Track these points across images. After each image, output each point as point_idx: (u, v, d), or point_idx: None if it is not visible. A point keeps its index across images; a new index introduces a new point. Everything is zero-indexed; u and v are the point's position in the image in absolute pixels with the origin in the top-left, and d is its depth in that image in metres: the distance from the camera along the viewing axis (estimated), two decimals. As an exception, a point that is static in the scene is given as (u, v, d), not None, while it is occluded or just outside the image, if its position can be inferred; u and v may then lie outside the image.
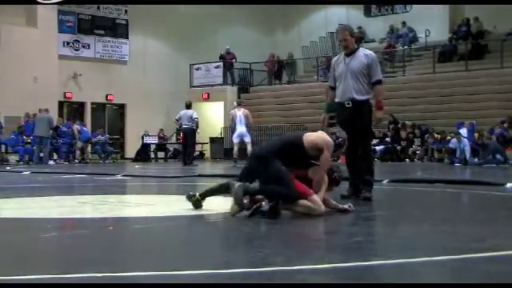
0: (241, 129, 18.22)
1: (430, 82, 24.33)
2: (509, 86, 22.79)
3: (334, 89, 7.46)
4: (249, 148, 18.09)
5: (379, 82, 7.30)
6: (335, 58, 7.56)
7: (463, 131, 20.19)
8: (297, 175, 5.76)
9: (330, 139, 5.99)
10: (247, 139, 18.26)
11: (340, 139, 6.36)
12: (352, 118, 7.07)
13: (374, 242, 4.71)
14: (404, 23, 28.90)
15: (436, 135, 21.44)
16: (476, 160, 18.57)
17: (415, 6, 29.35)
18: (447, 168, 17.21)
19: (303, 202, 5.63)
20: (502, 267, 3.46)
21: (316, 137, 5.99)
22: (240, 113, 18.39)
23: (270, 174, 5.65)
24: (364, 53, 7.34)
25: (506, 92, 22.66)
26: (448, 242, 4.45)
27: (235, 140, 18.41)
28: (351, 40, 7.30)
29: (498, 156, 17.86)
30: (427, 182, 10.28)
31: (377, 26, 30.29)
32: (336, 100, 7.37)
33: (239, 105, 19.13)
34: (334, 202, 5.98)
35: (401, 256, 3.76)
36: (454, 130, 20.51)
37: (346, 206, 5.90)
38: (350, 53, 7.26)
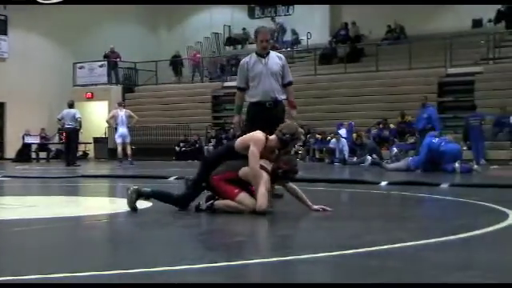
0: (122, 130, 18.31)
1: (311, 84, 24.98)
2: (384, 88, 23.82)
3: (243, 90, 7.53)
4: (128, 149, 18.27)
5: (291, 82, 7.58)
6: (246, 60, 7.52)
7: (342, 131, 20.90)
8: (226, 178, 5.91)
9: (258, 136, 6.06)
10: (128, 140, 18.44)
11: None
12: (272, 118, 7.20)
13: (255, 241, 4.84)
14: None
15: (317, 135, 22.05)
16: (354, 159, 19.28)
17: (297, 9, 30.04)
18: (327, 167, 17.76)
19: (230, 202, 5.84)
20: (376, 262, 3.63)
21: (244, 137, 6.24)
22: (122, 113, 18.45)
23: (191, 178, 6.25)
24: (276, 54, 7.57)
25: (382, 94, 23.65)
26: (327, 239, 4.62)
27: (118, 140, 18.46)
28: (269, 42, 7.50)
29: (374, 155, 18.62)
30: (308, 181, 10.58)
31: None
32: (253, 100, 7.42)
33: (121, 105, 19.17)
34: (306, 200, 6.07)
35: (281, 254, 3.86)
36: (335, 130, 21.21)
37: (317, 207, 5.98)
38: (266, 54, 7.41)
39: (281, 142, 6.05)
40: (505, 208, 6.12)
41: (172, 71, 30.61)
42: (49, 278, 3.19)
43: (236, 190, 5.84)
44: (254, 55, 7.50)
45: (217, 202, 5.91)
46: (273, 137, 6.09)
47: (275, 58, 7.46)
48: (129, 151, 18.39)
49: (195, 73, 29.72)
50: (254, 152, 5.90)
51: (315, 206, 6.02)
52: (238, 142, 6.17)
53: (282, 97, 7.49)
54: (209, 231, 5.26)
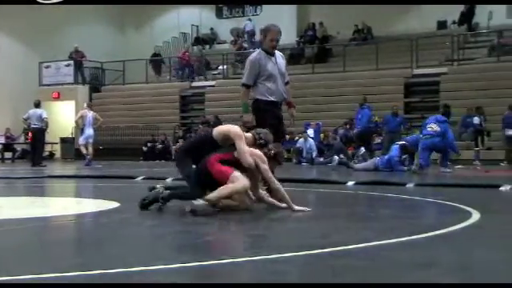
0: (89, 131, 18.45)
1: (279, 84, 25.08)
2: (351, 89, 24.00)
3: (249, 87, 7.29)
4: (90, 149, 18.38)
5: (289, 82, 7.57)
6: (256, 56, 7.22)
7: (310, 132, 21.03)
8: (222, 159, 5.97)
9: (238, 129, 6.16)
10: (91, 140, 18.61)
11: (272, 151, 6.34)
12: (280, 117, 7.29)
13: (224, 241, 4.88)
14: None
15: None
16: (321, 159, 19.41)
17: (265, 9, 30.14)
18: (295, 167, 17.86)
19: (224, 188, 5.84)
20: (342, 261, 3.70)
21: (226, 127, 6.30)
22: (90, 114, 18.55)
23: (183, 174, 6.32)
24: (280, 54, 7.46)
25: (349, 94, 23.82)
26: (295, 239, 4.67)
27: (83, 142, 18.55)
28: None
29: (342, 155, 18.78)
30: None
31: (228, 28, 30.80)
32: (268, 99, 7.22)
33: (89, 106, 19.27)
34: (289, 201, 6.14)
35: (250, 254, 3.90)
36: (303, 130, 21.34)
37: (298, 208, 6.05)
38: (273, 54, 7.31)
39: (254, 142, 6.22)
40: (468, 207, 6.24)
41: (152, 70, 29.98)
42: (26, 279, 3.20)
43: (230, 170, 5.90)
44: (262, 53, 7.24)
45: (209, 196, 5.86)
46: (248, 135, 6.20)
47: (280, 58, 7.38)
48: (90, 151, 18.49)
49: (184, 72, 29.28)
50: (242, 149, 6.03)
51: (296, 207, 6.09)
52: (219, 131, 6.25)
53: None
54: (178, 231, 5.28)
